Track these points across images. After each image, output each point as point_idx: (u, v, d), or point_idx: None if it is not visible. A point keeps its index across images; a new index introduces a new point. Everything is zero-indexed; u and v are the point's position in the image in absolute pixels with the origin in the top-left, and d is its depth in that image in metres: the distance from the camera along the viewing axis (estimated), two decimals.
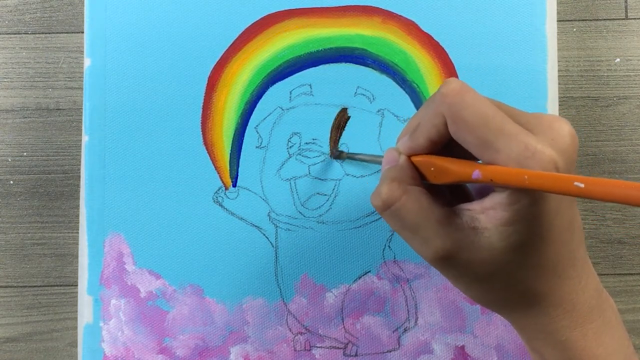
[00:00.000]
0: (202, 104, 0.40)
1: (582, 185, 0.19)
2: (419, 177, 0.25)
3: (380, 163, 0.28)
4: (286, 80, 0.40)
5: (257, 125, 0.40)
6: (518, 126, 0.22)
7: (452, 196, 0.27)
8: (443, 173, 0.24)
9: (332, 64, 0.40)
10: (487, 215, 0.23)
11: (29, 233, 0.42)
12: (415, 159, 0.26)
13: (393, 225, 0.25)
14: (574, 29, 0.42)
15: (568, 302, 0.25)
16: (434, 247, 0.24)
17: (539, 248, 0.24)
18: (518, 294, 0.25)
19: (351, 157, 0.38)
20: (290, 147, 0.40)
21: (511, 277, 0.24)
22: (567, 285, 0.25)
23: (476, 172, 0.22)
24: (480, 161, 0.23)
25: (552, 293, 0.25)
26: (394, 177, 0.25)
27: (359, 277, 0.39)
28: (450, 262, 0.24)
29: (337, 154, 0.39)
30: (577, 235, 0.25)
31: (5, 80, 0.42)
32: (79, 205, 0.40)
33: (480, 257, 0.24)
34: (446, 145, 0.25)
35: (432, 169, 0.25)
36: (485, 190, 0.26)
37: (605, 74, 0.41)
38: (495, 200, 0.23)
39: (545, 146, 0.22)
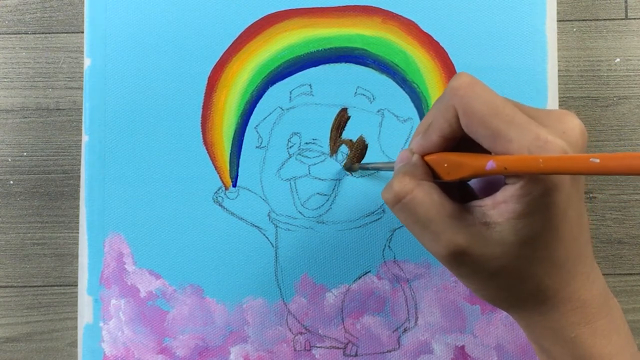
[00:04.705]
0: (202, 104, 0.40)
1: (598, 161, 0.19)
2: (432, 175, 0.26)
3: (392, 169, 0.28)
4: (286, 80, 0.40)
5: (257, 125, 0.40)
6: (528, 117, 0.23)
7: (460, 197, 0.27)
8: (457, 168, 0.24)
9: (332, 64, 0.40)
10: (499, 210, 0.23)
11: (29, 233, 0.42)
12: (428, 157, 0.26)
13: (404, 219, 0.25)
14: (574, 29, 0.42)
15: (577, 299, 0.25)
16: (445, 242, 0.24)
17: (550, 242, 0.24)
18: (529, 290, 0.25)
19: (363, 167, 0.39)
20: (290, 147, 0.40)
21: (522, 272, 0.24)
22: (576, 281, 0.25)
23: (490, 163, 0.22)
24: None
25: (562, 289, 0.25)
26: (406, 172, 0.25)
27: (359, 277, 0.39)
28: (462, 259, 0.24)
29: (348, 167, 0.39)
30: (585, 231, 0.25)
31: (5, 80, 0.42)
32: (79, 205, 0.40)
33: (492, 253, 0.24)
34: (456, 147, 0.25)
35: (446, 165, 0.25)
36: (490, 190, 0.26)
37: (605, 74, 0.41)
38: (507, 193, 0.23)
39: (555, 137, 0.22)
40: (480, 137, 0.23)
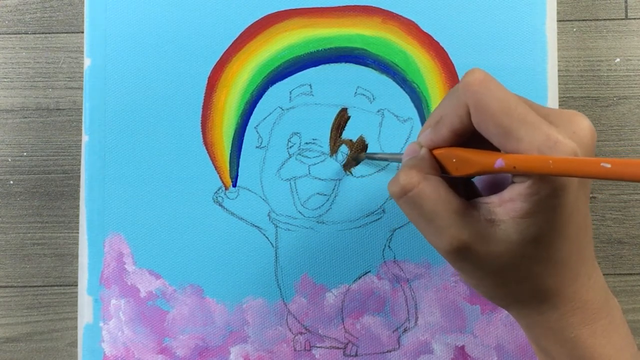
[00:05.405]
0: (202, 104, 0.40)
1: (609, 166, 0.19)
2: (439, 170, 0.25)
3: (400, 160, 0.28)
4: (286, 80, 0.40)
5: (257, 125, 0.40)
6: (539, 117, 0.22)
7: (465, 193, 0.27)
8: (465, 164, 0.24)
9: (332, 64, 0.40)
10: (505, 208, 0.23)
11: (29, 233, 0.42)
12: (436, 152, 0.26)
13: (409, 213, 0.25)
14: (574, 29, 0.42)
15: (578, 299, 0.25)
16: (449, 237, 0.24)
17: (554, 242, 0.24)
18: (530, 289, 0.25)
19: (370, 157, 0.38)
20: (290, 147, 0.40)
21: (525, 271, 0.24)
22: (578, 281, 0.25)
23: (499, 161, 0.22)
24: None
25: (564, 289, 0.25)
26: (414, 165, 0.25)
27: (359, 277, 0.39)
28: (465, 255, 0.24)
29: (355, 157, 0.39)
30: (588, 232, 0.25)
31: (5, 80, 0.42)
32: (79, 205, 0.40)
33: (496, 250, 0.24)
34: (465, 143, 0.25)
35: (454, 160, 0.25)
36: (495, 188, 0.26)
37: (605, 74, 0.41)
38: (515, 191, 0.23)
39: (566, 138, 0.22)
40: (490, 134, 0.23)
